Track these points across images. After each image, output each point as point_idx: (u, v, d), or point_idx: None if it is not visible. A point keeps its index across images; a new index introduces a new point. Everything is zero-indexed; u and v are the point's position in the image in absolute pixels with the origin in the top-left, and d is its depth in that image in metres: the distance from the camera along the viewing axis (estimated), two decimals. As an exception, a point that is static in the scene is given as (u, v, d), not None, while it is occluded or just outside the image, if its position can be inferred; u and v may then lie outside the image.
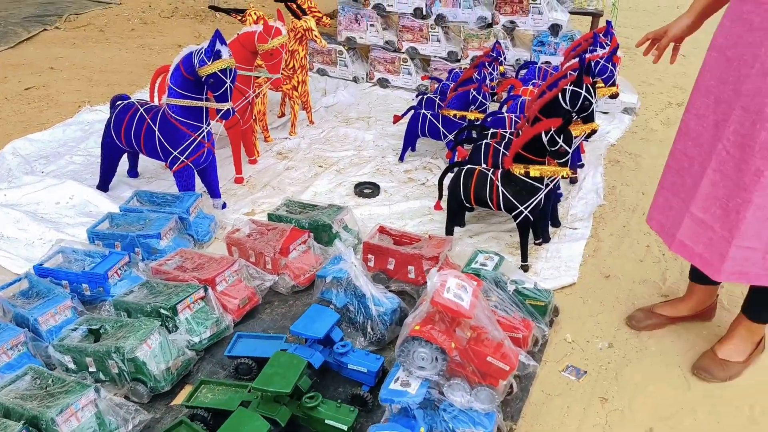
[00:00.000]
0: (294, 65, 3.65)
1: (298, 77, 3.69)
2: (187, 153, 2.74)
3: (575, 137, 2.63)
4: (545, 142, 2.38)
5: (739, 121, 1.75)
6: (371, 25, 4.49)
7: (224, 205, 3.02)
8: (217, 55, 2.55)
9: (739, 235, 1.81)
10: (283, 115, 4.05)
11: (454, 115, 3.31)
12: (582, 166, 3.40)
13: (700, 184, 1.89)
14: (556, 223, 2.88)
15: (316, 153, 3.62)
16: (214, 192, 2.98)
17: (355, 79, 4.66)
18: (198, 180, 2.95)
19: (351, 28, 4.56)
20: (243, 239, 2.51)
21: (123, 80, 4.48)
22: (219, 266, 2.29)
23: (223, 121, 2.76)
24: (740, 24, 1.74)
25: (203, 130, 2.75)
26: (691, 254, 1.97)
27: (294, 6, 3.64)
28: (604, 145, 3.69)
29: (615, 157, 3.58)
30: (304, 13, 3.65)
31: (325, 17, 3.80)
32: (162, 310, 2.03)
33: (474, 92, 3.34)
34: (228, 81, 2.60)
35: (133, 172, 3.25)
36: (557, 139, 2.36)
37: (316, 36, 3.57)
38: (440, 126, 3.33)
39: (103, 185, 3.09)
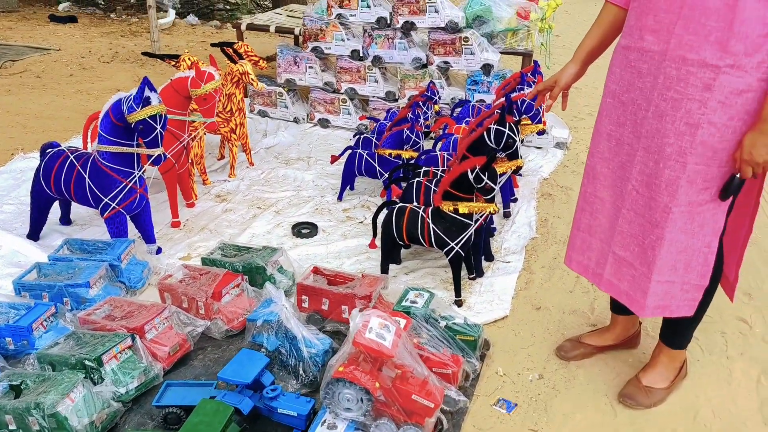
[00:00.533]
0: (231, 108, 3.68)
1: (236, 120, 3.72)
2: (118, 199, 2.71)
3: (501, 174, 2.73)
4: (471, 180, 2.46)
5: (643, 162, 1.81)
6: (310, 67, 4.57)
7: (159, 250, 2.98)
8: (147, 102, 2.55)
9: (657, 271, 1.86)
10: (222, 157, 4.05)
11: (390, 154, 3.38)
12: (515, 200, 3.51)
13: (617, 223, 1.95)
14: (490, 257, 2.95)
15: (255, 194, 3.63)
16: (148, 237, 2.95)
17: (296, 120, 4.72)
18: (132, 226, 2.91)
19: (290, 70, 4.63)
20: (175, 285, 2.48)
21: (59, 126, 4.42)
22: (149, 313, 2.26)
23: (156, 166, 2.75)
24: (629, 71, 1.81)
25: (135, 176, 2.73)
26: (618, 292, 2.03)
27: (230, 51, 3.68)
28: (537, 179, 3.82)
29: (547, 191, 3.71)
30: (241, 58, 3.69)
31: (261, 61, 3.85)
32: (86, 362, 1.98)
33: (408, 131, 3.43)
34: (158, 127, 2.60)
35: (65, 220, 3.19)
36: (482, 176, 2.44)
37: (252, 79, 3.62)
38: (376, 165, 3.39)
39: (34, 234, 3.02)
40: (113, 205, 2.72)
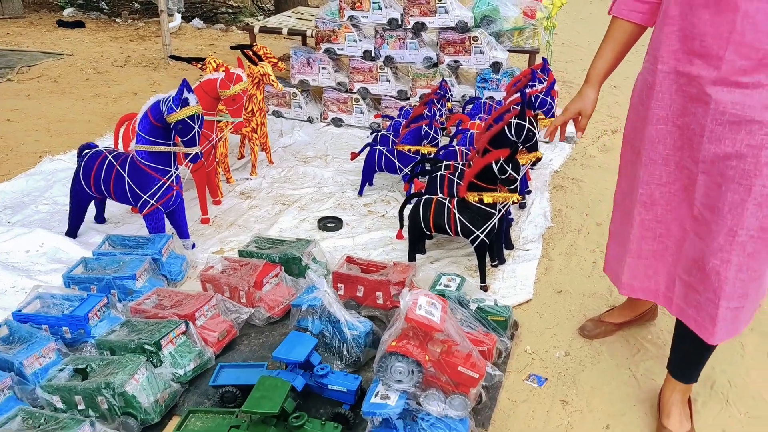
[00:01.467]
0: (253, 109, 3.81)
1: (257, 120, 3.85)
2: (156, 197, 2.85)
3: (522, 165, 2.88)
4: (496, 171, 2.61)
5: (706, 185, 1.74)
6: (323, 68, 4.71)
7: (193, 245, 3.11)
8: (185, 103, 2.69)
9: (725, 297, 1.76)
10: (242, 156, 4.19)
11: (409, 150, 3.52)
12: (529, 192, 3.66)
13: (683, 247, 1.87)
14: (510, 246, 3.09)
15: (278, 191, 3.77)
16: (183, 233, 3.08)
17: (310, 120, 4.85)
18: (167, 222, 3.05)
19: (304, 71, 4.77)
20: (217, 276, 2.62)
21: (82, 129, 4.54)
22: (197, 302, 2.39)
23: (193, 164, 2.89)
24: (681, 96, 1.75)
25: (172, 174, 2.86)
26: (687, 317, 1.92)
27: (250, 53, 3.81)
28: (548, 172, 3.97)
29: (559, 183, 3.86)
30: (261, 60, 3.83)
31: (280, 62, 3.99)
32: (146, 346, 2.12)
33: (426, 128, 3.57)
34: (196, 126, 2.74)
35: (100, 218, 3.32)
36: (506, 167, 2.59)
37: (273, 81, 3.75)
38: (396, 161, 3.53)
39: (72, 232, 3.14)
40: (152, 202, 2.85)
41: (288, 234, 3.28)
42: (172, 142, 2.83)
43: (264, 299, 2.53)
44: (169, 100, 2.71)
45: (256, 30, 5.02)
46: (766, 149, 1.59)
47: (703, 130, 1.70)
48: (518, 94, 3.34)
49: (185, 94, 2.69)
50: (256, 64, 3.78)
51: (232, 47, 4.09)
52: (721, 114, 1.63)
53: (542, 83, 3.75)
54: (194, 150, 2.79)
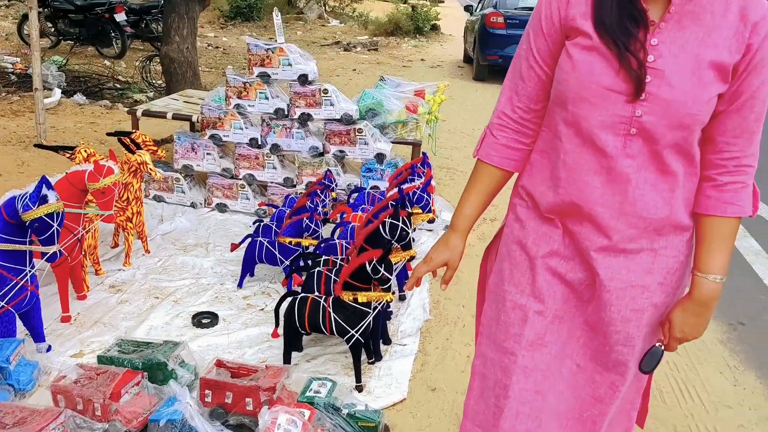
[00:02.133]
0: (128, 197, 3.67)
1: (132, 209, 3.71)
2: (7, 298, 2.63)
3: (396, 263, 2.93)
4: (369, 271, 2.63)
5: (586, 344, 1.67)
6: (208, 154, 4.66)
7: (49, 348, 2.87)
8: (44, 200, 2.54)
9: None
10: (116, 245, 3.99)
11: (290, 242, 3.50)
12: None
13: (557, 403, 1.72)
14: (387, 341, 3.10)
15: (152, 284, 3.60)
16: (37, 336, 2.84)
17: (193, 205, 4.74)
18: (19, 323, 2.80)
19: (187, 156, 4.69)
20: (70, 386, 2.41)
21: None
22: (43, 419, 2.18)
23: (51, 263, 2.70)
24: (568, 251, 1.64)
25: (27, 273, 2.66)
26: None
27: (128, 140, 3.71)
28: (429, 261, 4.06)
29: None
30: (139, 147, 3.73)
31: (160, 150, 3.90)
32: (-26, 478, 1.88)
33: (307, 220, 3.58)
34: (55, 224, 2.58)
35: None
36: (379, 268, 2.62)
37: (151, 169, 3.65)
38: (277, 253, 3.50)
39: None
40: (2, 303, 2.62)
41: (159, 332, 3.11)
42: (28, 239, 2.65)
43: (121, 411, 2.35)
44: (26, 197, 2.55)
45: (138, 114, 4.92)
46: (647, 312, 1.58)
47: (592, 296, 1.61)
48: (396, 190, 3.45)
49: (44, 190, 2.54)
50: (133, 152, 3.67)
51: (108, 134, 3.97)
52: (609, 280, 1.55)
53: (422, 177, 3.90)
54: (52, 249, 2.62)
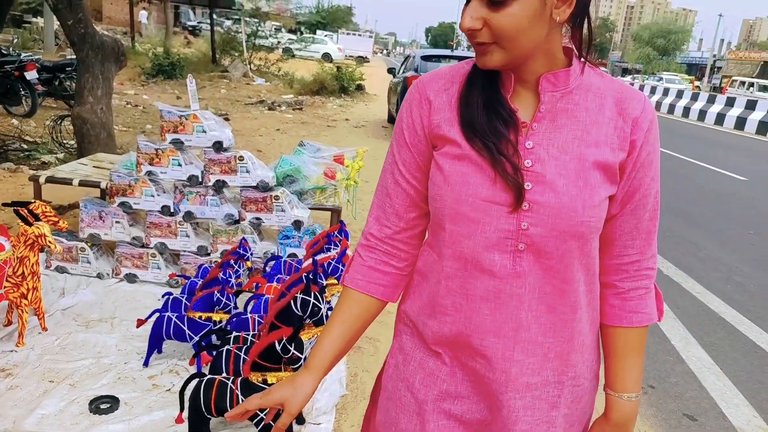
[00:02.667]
0: (23, 272, 3.43)
1: (28, 284, 3.46)
2: None
3: (308, 340, 2.85)
4: (279, 351, 2.54)
5: None
6: (117, 222, 4.46)
7: None
8: None
9: None
10: (9, 323, 3.70)
11: (200, 317, 3.36)
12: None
13: None
14: (301, 420, 2.98)
15: (48, 365, 3.33)
16: None
17: (100, 276, 4.50)
18: None
19: (95, 224, 4.48)
20: (-62, 495, 2.16)
21: None
22: None
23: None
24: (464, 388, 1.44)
25: None
26: None
27: (25, 212, 3.50)
28: (347, 331, 3.99)
29: (357, 344, 3.88)
30: (37, 219, 3.52)
31: (61, 221, 3.70)
32: None
33: (218, 294, 3.45)
34: (-70, 310, 2.36)
35: None
36: (289, 347, 2.54)
37: (50, 242, 3.44)
38: (186, 328, 3.33)
39: None
40: None
41: (51, 421, 2.86)
42: None
43: None
44: None
45: (42, 180, 4.68)
46: None
47: None
48: (310, 261, 3.40)
49: None
50: (30, 224, 3.46)
51: (4, 204, 3.73)
52: (514, 423, 1.33)
53: (337, 246, 3.87)
54: (-74, 337, 2.39)
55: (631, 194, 1.30)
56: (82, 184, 4.64)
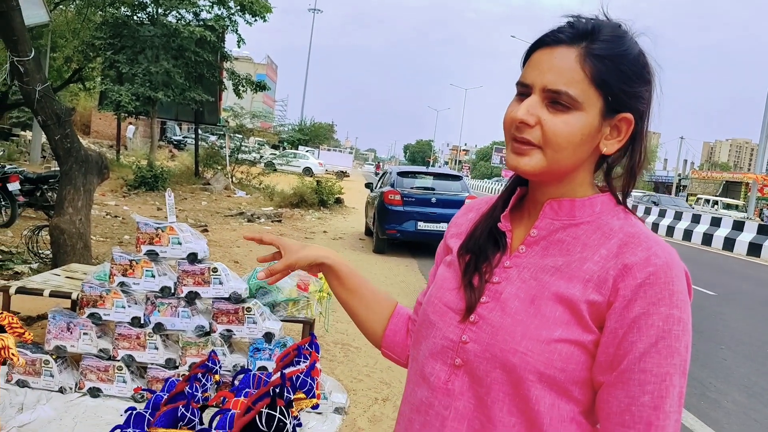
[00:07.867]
0: (-18, 386, 3.34)
1: (-15, 399, 3.36)
2: None
3: (272, 458, 2.78)
4: (241, 469, 2.47)
5: None
6: (84, 334, 4.40)
7: None
8: None
9: None
10: (-39, 441, 3.54)
11: (162, 434, 3.25)
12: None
13: None
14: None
15: (-3, 487, 3.17)
16: None
17: (62, 390, 4.36)
18: None
19: (62, 336, 4.41)
20: None
21: None
22: None
23: None
24: None
25: None
26: None
27: (-9, 322, 3.46)
28: (315, 449, 3.88)
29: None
30: (2, 331, 3.48)
31: (27, 333, 3.65)
32: None
33: (183, 409, 3.37)
34: None
35: None
36: (251, 465, 2.47)
37: (13, 354, 3.37)
38: (147, 446, 3.22)
39: None
40: None
41: None
42: None
43: None
44: None
45: (12, 291, 4.65)
46: None
47: None
48: (279, 374, 3.36)
49: None
50: (-5, 335, 3.41)
51: (-29, 314, 3.69)
52: None
53: (307, 359, 3.84)
54: None
55: (619, 359, 1.09)
56: (53, 294, 4.62)
